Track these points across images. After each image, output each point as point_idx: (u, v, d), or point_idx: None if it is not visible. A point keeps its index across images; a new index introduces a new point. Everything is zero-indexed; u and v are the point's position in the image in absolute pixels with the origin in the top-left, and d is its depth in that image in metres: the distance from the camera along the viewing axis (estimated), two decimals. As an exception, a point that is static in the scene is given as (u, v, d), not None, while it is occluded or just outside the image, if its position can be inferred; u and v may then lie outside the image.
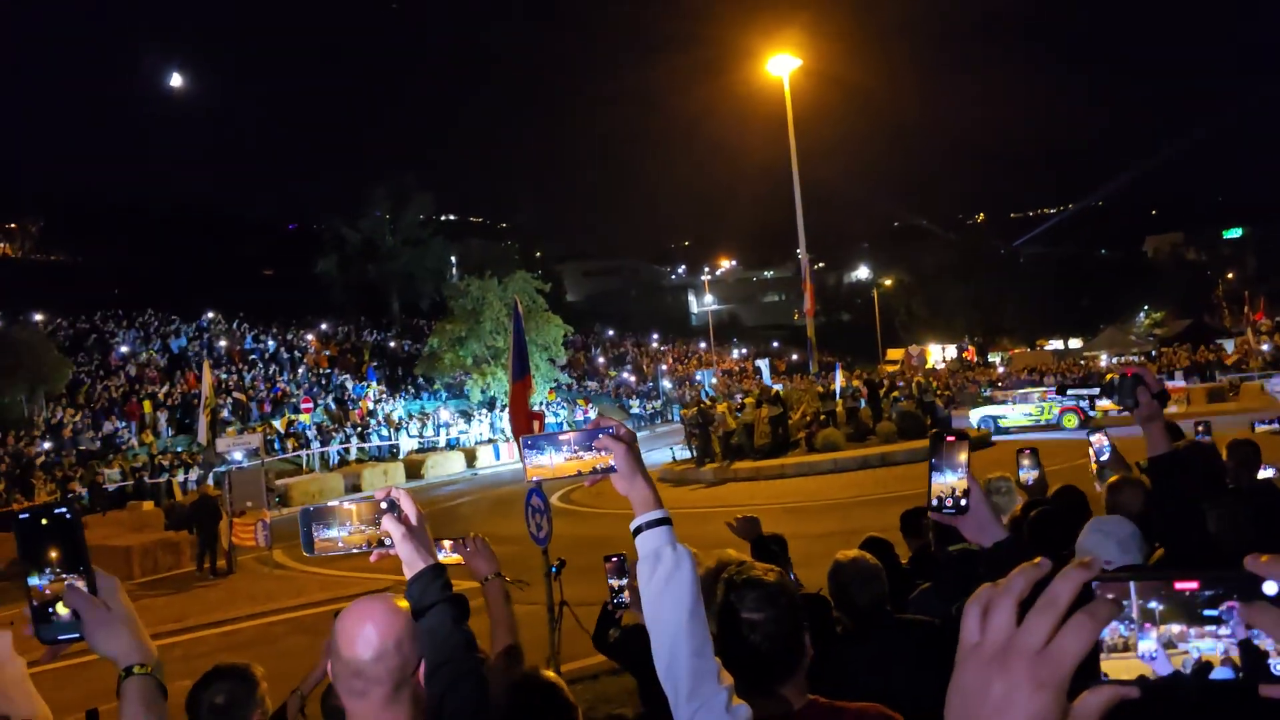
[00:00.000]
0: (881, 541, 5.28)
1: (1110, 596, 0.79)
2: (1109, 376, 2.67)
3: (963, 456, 2.00)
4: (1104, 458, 5.16)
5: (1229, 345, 51.12)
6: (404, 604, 2.14)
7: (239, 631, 13.43)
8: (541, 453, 2.04)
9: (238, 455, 22.77)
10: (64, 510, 1.61)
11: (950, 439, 2.01)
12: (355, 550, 1.97)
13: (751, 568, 2.26)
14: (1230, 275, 70.79)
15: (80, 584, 1.62)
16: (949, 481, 2.00)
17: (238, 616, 14.38)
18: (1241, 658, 0.77)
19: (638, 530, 1.98)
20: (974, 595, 0.85)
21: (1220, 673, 0.78)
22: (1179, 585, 0.79)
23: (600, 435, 2.01)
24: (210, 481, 21.76)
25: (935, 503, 2.01)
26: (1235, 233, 77.71)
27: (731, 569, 2.27)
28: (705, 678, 1.89)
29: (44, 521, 1.60)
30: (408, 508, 1.95)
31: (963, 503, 1.99)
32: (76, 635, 1.62)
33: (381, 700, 1.89)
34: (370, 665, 1.86)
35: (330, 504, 1.98)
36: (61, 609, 1.61)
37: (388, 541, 1.92)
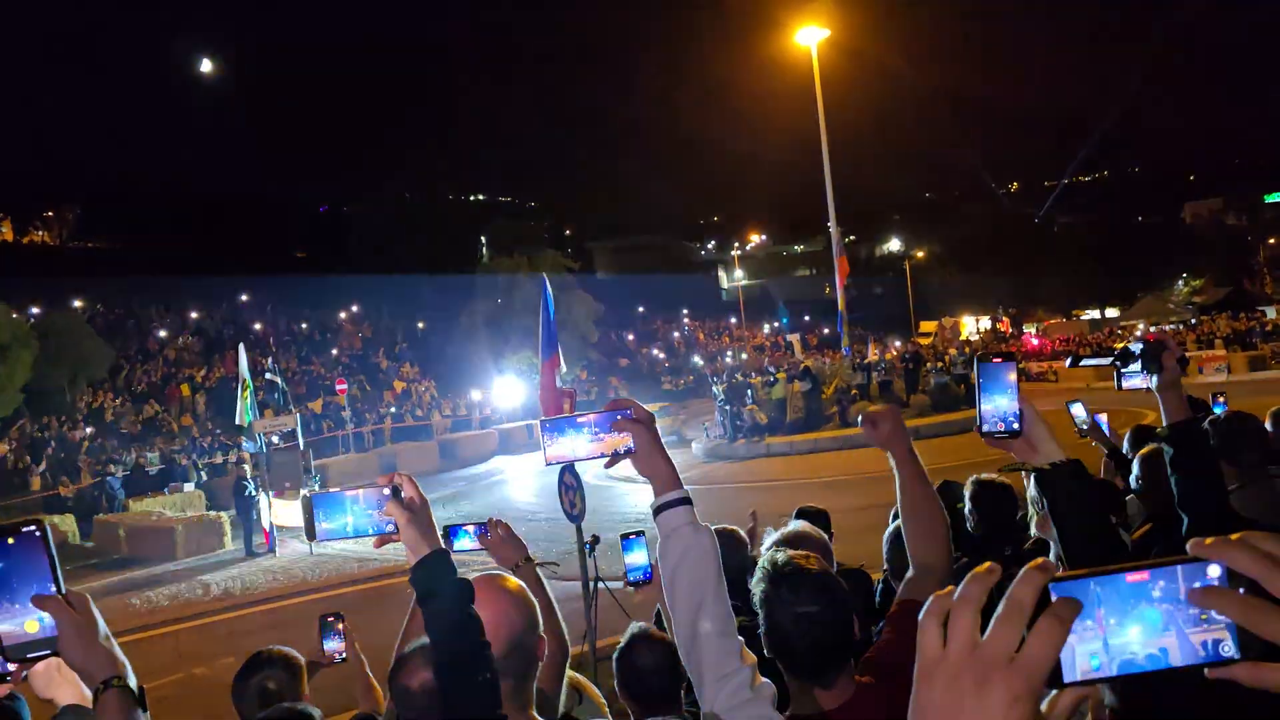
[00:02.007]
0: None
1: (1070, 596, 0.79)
2: (1119, 346, 2.64)
3: (1011, 377, 1.94)
4: (1084, 426, 5.18)
5: (1270, 312, 50.20)
6: (514, 583, 2.20)
7: (280, 610, 13.64)
8: (561, 435, 2.05)
9: (274, 437, 23.02)
10: (33, 528, 1.58)
11: (997, 359, 1.95)
12: (360, 536, 1.95)
13: (791, 557, 2.21)
14: (1272, 240, 69.32)
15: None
16: (999, 403, 1.93)
17: (279, 595, 14.61)
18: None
19: (658, 510, 2.00)
20: (927, 607, 0.84)
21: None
22: (1131, 578, 0.79)
23: (619, 417, 2.03)
24: (247, 464, 22.02)
25: (987, 427, 1.94)
26: (1276, 197, 76.04)
27: (777, 558, 2.22)
28: (728, 656, 1.91)
29: (10, 540, 1.56)
30: (412, 492, 1.93)
31: (1015, 425, 1.93)
32: (48, 651, 1.58)
33: (511, 688, 2.00)
34: (501, 659, 1.95)
35: (334, 490, 1.96)
36: (29, 626, 1.57)
37: (391, 527, 1.90)
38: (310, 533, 1.95)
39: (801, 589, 2.10)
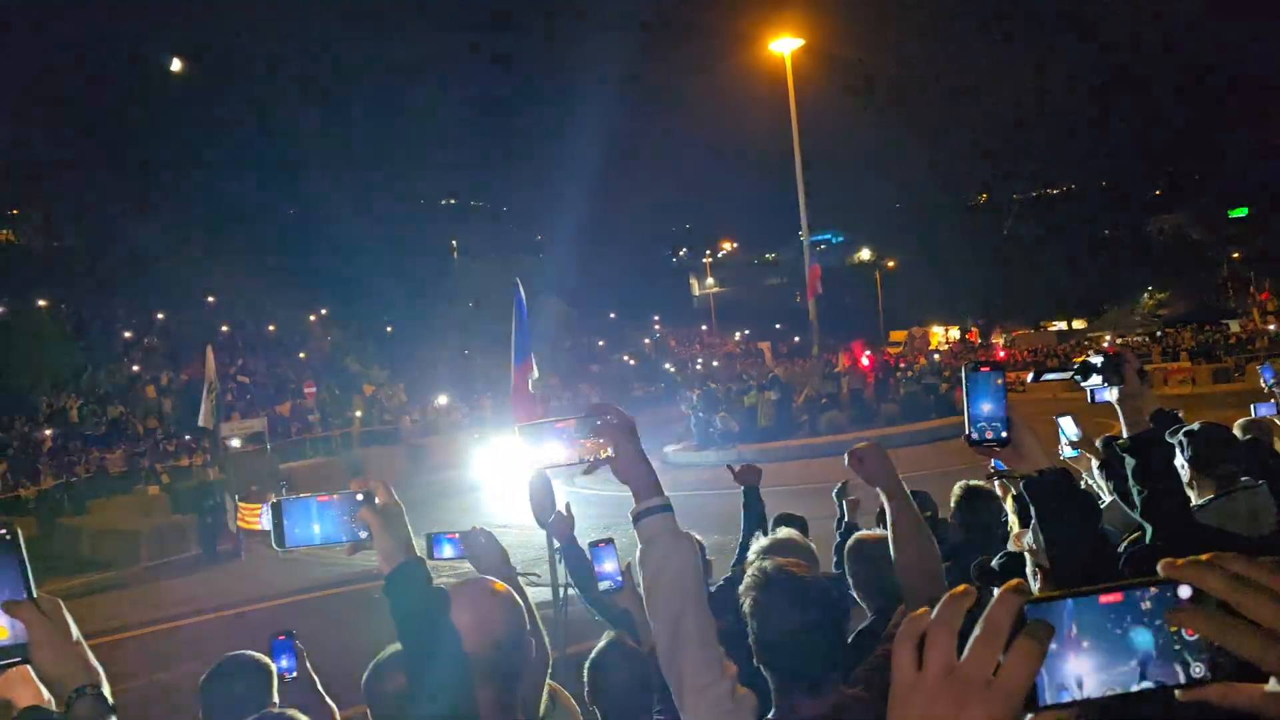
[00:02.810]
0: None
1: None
2: (1078, 360, 2.66)
3: (999, 385, 1.92)
4: (1075, 439, 5.17)
5: (1233, 325, 50.98)
6: (502, 586, 2.15)
7: (246, 615, 13.48)
8: (539, 441, 2.02)
9: (235, 442, 22.76)
10: (2, 531, 1.54)
11: (984, 368, 1.93)
12: (330, 544, 1.89)
13: (782, 565, 2.19)
14: (1235, 255, 70.40)
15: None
16: (987, 412, 1.91)
17: (245, 600, 14.45)
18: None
19: (638, 517, 1.96)
20: (902, 629, 0.84)
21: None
22: (1105, 599, 0.80)
23: (598, 422, 1.98)
24: (213, 467, 21.82)
25: (975, 435, 1.92)
26: (1241, 212, 77.23)
27: (768, 565, 2.20)
28: (708, 667, 1.86)
29: None
30: (386, 499, 1.86)
31: (1003, 434, 1.91)
32: (18, 659, 1.54)
33: (500, 690, 1.98)
34: (491, 659, 1.94)
35: (304, 496, 1.89)
36: None
37: (363, 534, 1.84)
38: (279, 540, 1.88)
39: (794, 597, 2.09)
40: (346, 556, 2.00)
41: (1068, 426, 5.07)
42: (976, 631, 0.79)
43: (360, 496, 1.86)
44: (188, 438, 31.61)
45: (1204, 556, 0.79)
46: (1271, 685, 0.78)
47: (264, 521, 18.19)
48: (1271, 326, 47.64)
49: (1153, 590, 0.79)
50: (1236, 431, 5.05)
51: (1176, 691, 0.79)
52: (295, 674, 3.47)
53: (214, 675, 3.13)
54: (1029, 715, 0.80)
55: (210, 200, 74.56)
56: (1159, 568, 0.80)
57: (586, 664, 3.04)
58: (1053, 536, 2.06)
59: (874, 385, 27.85)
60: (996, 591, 0.81)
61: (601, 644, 3.11)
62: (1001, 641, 0.77)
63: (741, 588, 2.21)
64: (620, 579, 3.32)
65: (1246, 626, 0.76)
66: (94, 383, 36.32)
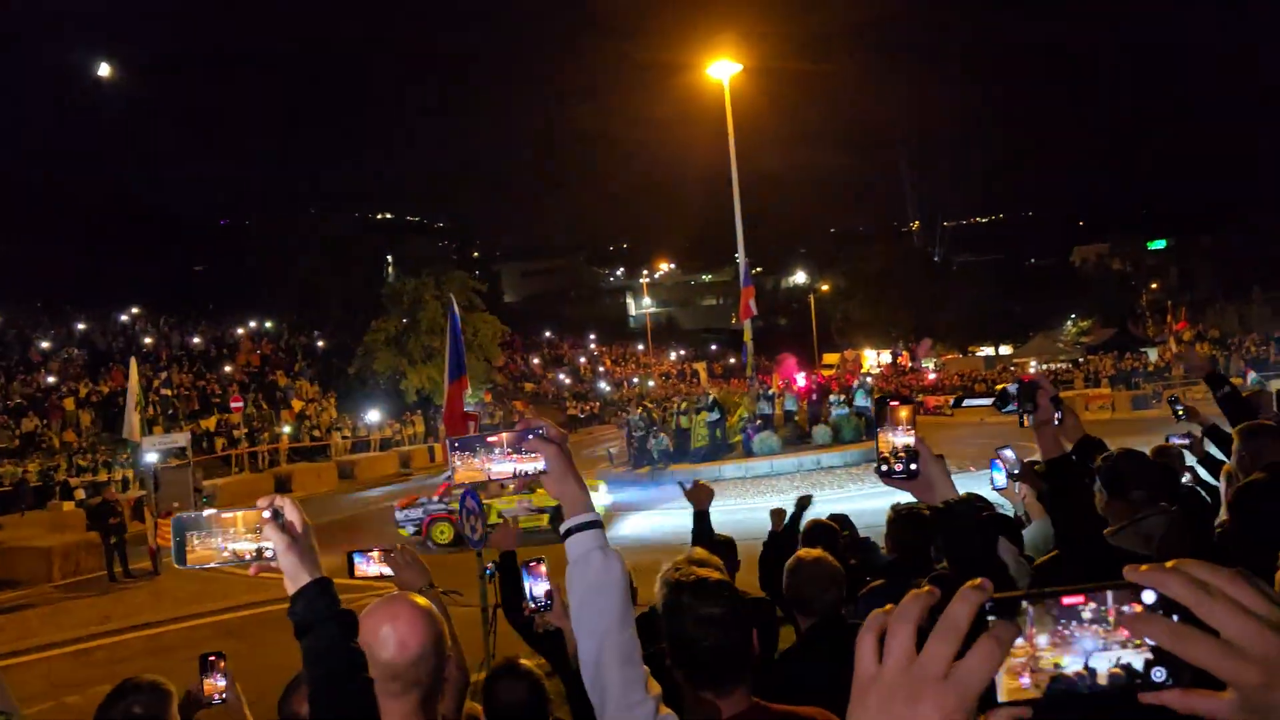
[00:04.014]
0: (829, 527, 5.35)
1: (1007, 620, 0.79)
2: (999, 387, 2.72)
3: (904, 414, 1.96)
4: (1014, 471, 5.21)
5: (1152, 354, 52.58)
6: (424, 601, 2.13)
7: (163, 635, 13.12)
8: (472, 455, 1.97)
9: (153, 456, 22.07)
10: None
11: (894, 402, 1.97)
12: (234, 562, 1.80)
13: (696, 568, 2.25)
14: (1154, 285, 72.77)
15: None
16: (896, 442, 1.96)
17: (162, 620, 14.06)
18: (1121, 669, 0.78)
19: (568, 533, 1.95)
20: (865, 624, 0.83)
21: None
22: (1067, 601, 0.79)
23: (531, 436, 1.97)
24: (130, 482, 21.18)
25: (885, 468, 1.97)
26: (1159, 244, 79.97)
27: (680, 569, 2.25)
28: (633, 686, 1.86)
29: None
30: (293, 516, 1.81)
31: (912, 466, 1.95)
32: None
33: (419, 701, 1.97)
34: (410, 668, 1.94)
35: (208, 512, 1.81)
36: None
37: (269, 553, 1.77)
38: (179, 558, 1.79)
39: (704, 594, 2.17)
40: (251, 576, 1.91)
41: (1008, 458, 5.13)
42: (935, 627, 0.78)
43: (267, 513, 1.80)
44: (102, 449, 30.69)
45: (1169, 563, 0.79)
46: (1230, 693, 0.77)
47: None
48: (1188, 355, 49.13)
49: (1115, 595, 0.79)
50: (1150, 457, 5.18)
51: (1137, 695, 0.78)
52: (225, 696, 3.39)
53: (112, 698, 3.07)
54: (983, 714, 0.80)
55: (136, 209, 72.78)
56: (1124, 572, 0.79)
57: (482, 686, 3.07)
58: (956, 561, 2.13)
59: (809, 407, 28.12)
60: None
61: (496, 663, 3.12)
62: (959, 638, 0.77)
63: (658, 590, 2.25)
64: (548, 600, 3.31)
65: (1204, 635, 0.76)
66: (7, 393, 35.08)
